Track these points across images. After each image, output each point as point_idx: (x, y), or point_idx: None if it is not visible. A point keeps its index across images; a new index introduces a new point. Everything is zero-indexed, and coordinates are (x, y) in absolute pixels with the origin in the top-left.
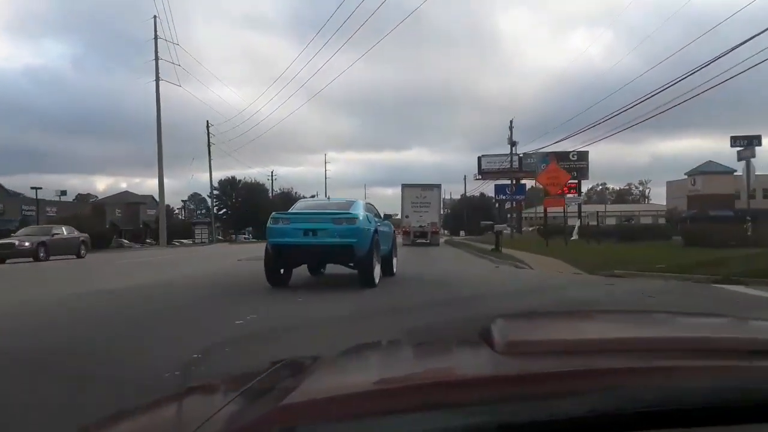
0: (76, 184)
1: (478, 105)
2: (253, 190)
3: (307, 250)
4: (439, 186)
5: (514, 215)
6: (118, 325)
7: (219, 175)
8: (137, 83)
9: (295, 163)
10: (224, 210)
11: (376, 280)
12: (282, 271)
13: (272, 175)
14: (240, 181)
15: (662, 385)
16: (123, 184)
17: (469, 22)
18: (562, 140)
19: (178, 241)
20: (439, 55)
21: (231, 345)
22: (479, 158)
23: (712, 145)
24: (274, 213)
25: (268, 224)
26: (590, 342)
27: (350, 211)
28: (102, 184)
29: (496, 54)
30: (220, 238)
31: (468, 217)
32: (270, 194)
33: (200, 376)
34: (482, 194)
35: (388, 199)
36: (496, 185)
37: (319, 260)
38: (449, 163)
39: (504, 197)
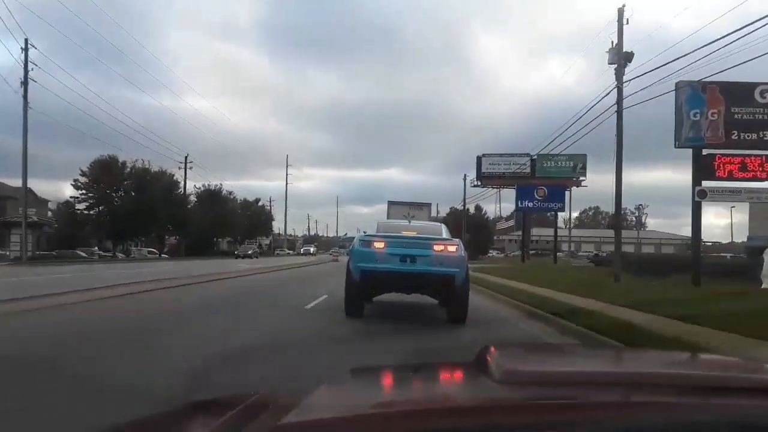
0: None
1: (456, 127)
2: (148, 181)
3: (402, 277)
4: (429, 205)
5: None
6: None
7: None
8: None
9: (270, 177)
10: (99, 208)
11: None
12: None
13: (186, 162)
14: (124, 163)
15: (660, 420)
16: None
17: (448, 44)
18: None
19: None
20: (419, 77)
21: None
22: (479, 158)
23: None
24: (361, 235)
25: (356, 247)
26: (583, 374)
27: (451, 238)
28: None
29: (475, 76)
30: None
31: (462, 236)
32: (182, 189)
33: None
34: (478, 207)
35: (363, 218)
36: (519, 188)
37: (412, 289)
38: (426, 183)
39: (531, 205)
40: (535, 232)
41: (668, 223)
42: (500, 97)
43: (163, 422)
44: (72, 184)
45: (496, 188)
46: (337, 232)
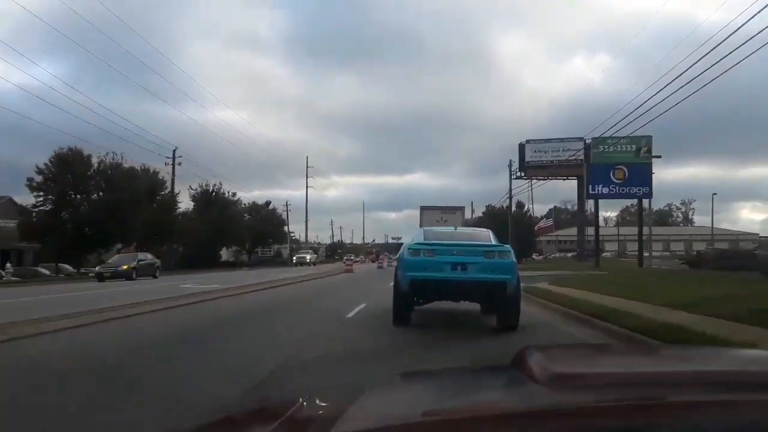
0: None
1: (481, 129)
2: (120, 178)
3: (453, 285)
4: (462, 208)
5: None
6: None
7: None
8: None
9: (297, 186)
10: (62, 213)
11: None
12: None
13: (174, 157)
14: (89, 157)
15: (722, 419)
16: None
17: (469, 46)
18: None
19: None
20: (442, 79)
21: None
22: (522, 146)
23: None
24: (411, 243)
25: (405, 255)
26: (634, 375)
27: (501, 243)
28: None
29: (500, 77)
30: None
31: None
32: (171, 188)
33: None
34: (520, 204)
35: (391, 224)
36: (592, 168)
37: (462, 297)
38: (453, 187)
39: (606, 191)
40: (563, 233)
41: (707, 219)
42: (524, 97)
43: None
44: (27, 185)
45: (544, 180)
46: (363, 238)
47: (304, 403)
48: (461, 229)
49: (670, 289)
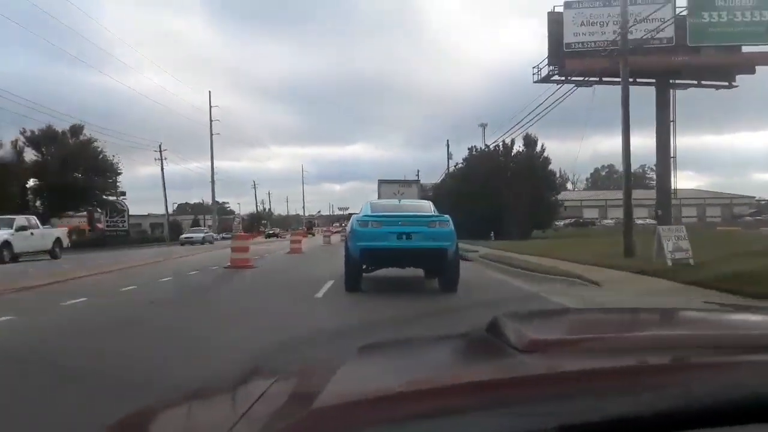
0: None
1: (421, 98)
2: None
3: (399, 253)
4: (417, 182)
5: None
6: None
7: None
8: None
9: (234, 157)
10: None
11: None
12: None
13: None
14: None
15: (709, 382)
16: None
17: (402, 10)
18: None
19: None
20: (374, 47)
21: None
22: (553, 15)
23: None
24: (360, 216)
25: (355, 227)
26: (614, 340)
27: (442, 215)
28: None
29: (436, 47)
30: None
31: (484, 190)
32: None
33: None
34: (529, 140)
35: (337, 195)
36: None
37: (408, 264)
38: (395, 158)
39: None
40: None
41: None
42: (465, 64)
43: (177, 414)
44: None
45: (589, 84)
46: (304, 208)
47: (281, 380)
48: (405, 201)
49: None
